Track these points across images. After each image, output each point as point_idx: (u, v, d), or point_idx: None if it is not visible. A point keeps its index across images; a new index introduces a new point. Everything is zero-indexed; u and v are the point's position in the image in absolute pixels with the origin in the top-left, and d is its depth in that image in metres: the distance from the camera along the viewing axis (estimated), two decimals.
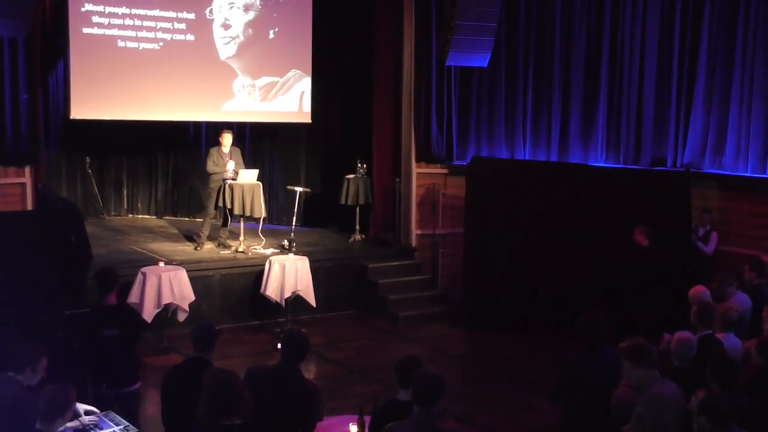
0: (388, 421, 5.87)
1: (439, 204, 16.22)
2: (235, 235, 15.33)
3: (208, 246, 15.26)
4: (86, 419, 6.91)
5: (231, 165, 14.85)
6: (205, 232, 15.21)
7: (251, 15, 16.33)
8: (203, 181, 15.55)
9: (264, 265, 13.85)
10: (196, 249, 15.05)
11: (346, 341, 13.76)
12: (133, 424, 8.49)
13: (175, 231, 16.77)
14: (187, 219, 18.10)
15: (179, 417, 6.68)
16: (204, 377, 5.45)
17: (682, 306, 9.78)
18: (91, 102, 15.08)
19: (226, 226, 15.34)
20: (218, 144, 15.09)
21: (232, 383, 5.40)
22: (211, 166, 14.92)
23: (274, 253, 14.58)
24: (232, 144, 15.19)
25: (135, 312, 9.46)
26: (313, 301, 13.94)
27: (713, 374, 6.36)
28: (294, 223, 15.64)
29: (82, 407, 6.89)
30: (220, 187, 14.79)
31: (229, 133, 15.12)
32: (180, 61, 15.79)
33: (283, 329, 13.13)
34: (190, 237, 15.85)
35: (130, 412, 8.46)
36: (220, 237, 15.39)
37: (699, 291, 9.07)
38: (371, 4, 16.38)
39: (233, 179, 14.82)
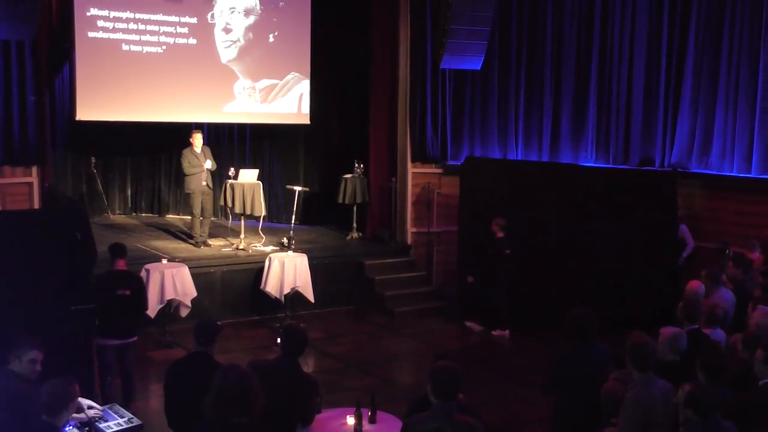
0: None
1: (433, 203, 16.24)
2: (236, 233, 15.34)
3: (214, 242, 15.27)
4: (91, 412, 6.92)
5: (208, 164, 14.85)
6: (197, 230, 15.20)
7: (252, 19, 16.31)
8: (184, 182, 15.41)
9: (264, 262, 13.86)
10: (196, 246, 15.04)
11: (343, 336, 13.76)
12: (129, 370, 9.78)
13: (178, 229, 16.75)
14: (189, 218, 18.03)
15: (181, 409, 6.68)
16: (216, 373, 5.42)
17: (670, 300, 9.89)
18: (97, 104, 15.08)
19: (203, 224, 15.28)
20: (189, 145, 15.00)
21: (243, 382, 5.31)
22: (187, 168, 14.89)
23: (273, 251, 14.57)
24: (203, 143, 15.16)
25: (140, 277, 10.94)
26: (311, 297, 13.95)
27: (703, 367, 6.36)
28: (293, 222, 15.61)
29: (85, 402, 6.89)
30: (223, 186, 14.80)
31: (199, 133, 15.10)
32: (182, 64, 15.79)
33: (282, 324, 13.11)
34: (193, 235, 15.87)
35: (126, 359, 9.81)
36: (202, 235, 15.34)
37: (694, 286, 9.08)
38: (368, 9, 16.39)
39: (234, 178, 14.85)
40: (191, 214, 15.33)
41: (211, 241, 15.31)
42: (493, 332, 13.92)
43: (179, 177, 18.10)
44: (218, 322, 7.36)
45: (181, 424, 6.75)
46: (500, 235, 13.67)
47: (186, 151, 14.95)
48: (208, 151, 15.16)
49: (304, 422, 6.78)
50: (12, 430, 6.13)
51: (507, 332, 13.86)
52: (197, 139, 14.95)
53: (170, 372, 6.96)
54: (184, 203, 18.27)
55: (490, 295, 13.88)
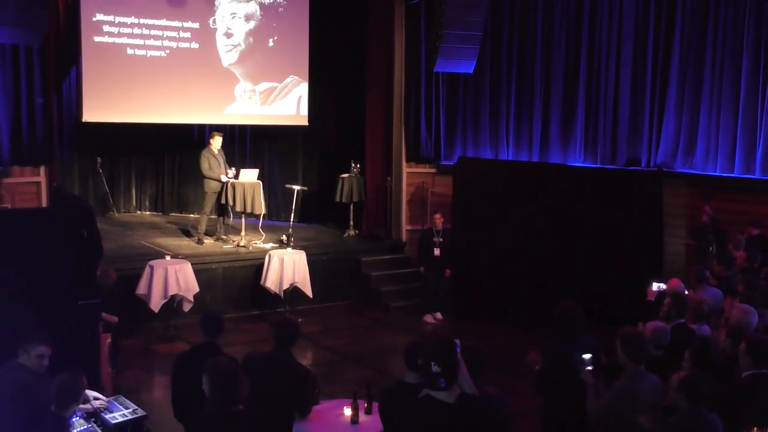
0: (396, 402, 5.88)
1: (427, 201, 16.24)
2: (236, 231, 15.33)
3: (209, 240, 15.24)
4: (96, 403, 6.92)
5: (230, 175, 14.83)
6: (203, 228, 15.21)
7: (252, 24, 16.31)
8: (203, 180, 15.44)
9: (264, 258, 13.87)
10: (198, 243, 15.04)
11: (340, 330, 13.77)
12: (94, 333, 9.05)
13: (181, 227, 16.72)
14: (192, 216, 18.05)
15: (188, 399, 6.65)
16: (207, 368, 5.44)
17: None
18: (102, 106, 15.08)
19: (225, 222, 15.32)
20: (208, 145, 15.03)
21: (234, 372, 5.38)
22: (206, 170, 14.87)
23: (273, 248, 14.57)
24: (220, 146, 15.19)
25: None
26: (309, 293, 13.97)
27: (692, 358, 6.38)
28: (292, 220, 15.65)
29: (90, 393, 6.89)
30: (223, 186, 14.78)
31: (220, 136, 15.10)
32: (185, 68, 15.80)
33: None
34: (194, 232, 15.88)
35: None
36: (218, 231, 15.35)
37: (675, 284, 9.12)
38: (365, 15, 16.40)
39: (235, 178, 14.84)
40: (202, 212, 15.35)
41: (212, 239, 15.33)
42: (423, 317, 14.35)
43: (182, 176, 18.20)
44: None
45: (187, 414, 6.74)
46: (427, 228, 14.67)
47: (205, 152, 14.98)
48: (221, 154, 15.20)
49: (302, 413, 6.78)
50: (22, 421, 6.14)
51: (430, 317, 14.38)
52: (217, 141, 14.98)
53: (177, 363, 6.94)
54: (187, 202, 18.31)
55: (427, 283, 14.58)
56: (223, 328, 7.01)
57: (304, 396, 6.71)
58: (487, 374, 6.24)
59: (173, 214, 18.31)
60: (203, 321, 6.98)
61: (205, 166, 14.89)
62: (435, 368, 4.72)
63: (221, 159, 15.01)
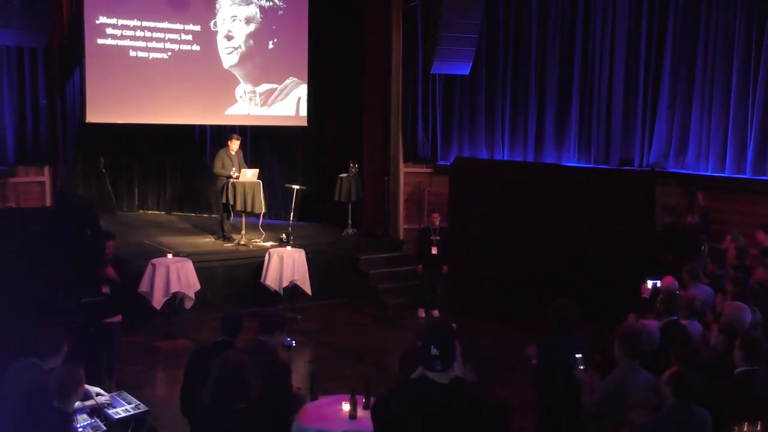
0: (389, 405, 5.86)
1: (424, 200, 16.24)
2: (237, 229, 15.31)
3: (236, 237, 15.27)
4: (100, 399, 6.91)
5: (234, 173, 14.83)
6: (227, 226, 15.30)
7: (252, 27, 16.31)
8: (209, 180, 15.50)
9: (264, 256, 13.88)
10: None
11: (339, 327, 13.77)
12: (111, 352, 9.54)
13: (182, 225, 16.75)
14: (193, 215, 18.08)
15: (196, 394, 6.58)
16: (213, 363, 5.33)
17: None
18: (106, 107, 15.08)
19: (229, 220, 15.35)
20: (226, 146, 15.07)
21: (241, 369, 5.23)
22: (218, 169, 14.90)
23: (273, 246, 14.57)
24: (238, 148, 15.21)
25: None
26: (309, 290, 13.97)
27: (677, 356, 6.38)
28: (291, 218, 15.63)
29: (93, 389, 6.88)
30: (224, 185, 14.79)
31: (238, 139, 15.11)
32: (187, 70, 15.80)
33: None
34: (196, 231, 15.86)
35: (109, 341, 9.57)
36: (224, 230, 15.36)
37: (669, 282, 9.12)
38: (363, 18, 16.40)
39: (236, 178, 14.83)
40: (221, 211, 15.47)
41: (212, 238, 15.37)
42: (418, 311, 14.49)
43: (184, 176, 18.22)
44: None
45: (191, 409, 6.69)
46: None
47: (221, 152, 15.03)
48: (240, 154, 15.23)
49: (286, 401, 6.70)
50: (29, 418, 6.12)
51: (423, 312, 14.46)
52: (234, 144, 15.02)
53: (192, 358, 6.78)
54: (188, 201, 18.32)
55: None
56: (242, 327, 6.97)
57: (283, 384, 6.63)
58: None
59: (175, 213, 18.34)
60: (223, 319, 6.94)
61: (217, 164, 14.92)
62: (434, 351, 4.73)
63: (236, 160, 15.00)
